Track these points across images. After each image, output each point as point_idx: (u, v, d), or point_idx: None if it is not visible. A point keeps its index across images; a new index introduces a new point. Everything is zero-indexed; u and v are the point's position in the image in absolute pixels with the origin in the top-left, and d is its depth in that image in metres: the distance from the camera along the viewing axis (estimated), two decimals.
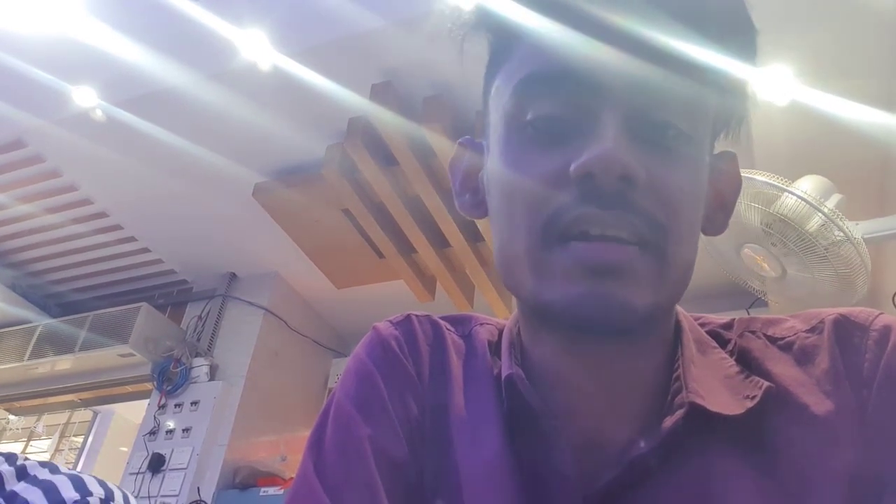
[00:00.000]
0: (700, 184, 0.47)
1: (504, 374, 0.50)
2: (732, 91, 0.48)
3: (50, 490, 0.84)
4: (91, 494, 0.86)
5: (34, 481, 0.85)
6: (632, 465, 0.44)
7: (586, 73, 0.44)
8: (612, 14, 0.44)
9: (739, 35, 0.47)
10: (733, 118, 0.51)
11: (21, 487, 0.84)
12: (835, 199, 1.64)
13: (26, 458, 0.91)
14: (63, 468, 0.91)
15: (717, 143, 0.51)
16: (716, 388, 0.47)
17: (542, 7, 0.47)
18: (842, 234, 1.55)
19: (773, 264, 1.70)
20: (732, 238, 1.74)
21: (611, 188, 0.42)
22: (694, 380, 0.47)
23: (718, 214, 0.52)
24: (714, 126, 0.49)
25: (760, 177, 1.60)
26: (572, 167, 0.42)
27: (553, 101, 0.45)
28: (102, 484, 0.91)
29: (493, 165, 0.49)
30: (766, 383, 0.46)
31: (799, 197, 1.56)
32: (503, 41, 0.50)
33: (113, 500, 0.89)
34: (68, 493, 0.84)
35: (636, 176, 0.42)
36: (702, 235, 0.50)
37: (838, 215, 1.56)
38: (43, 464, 0.90)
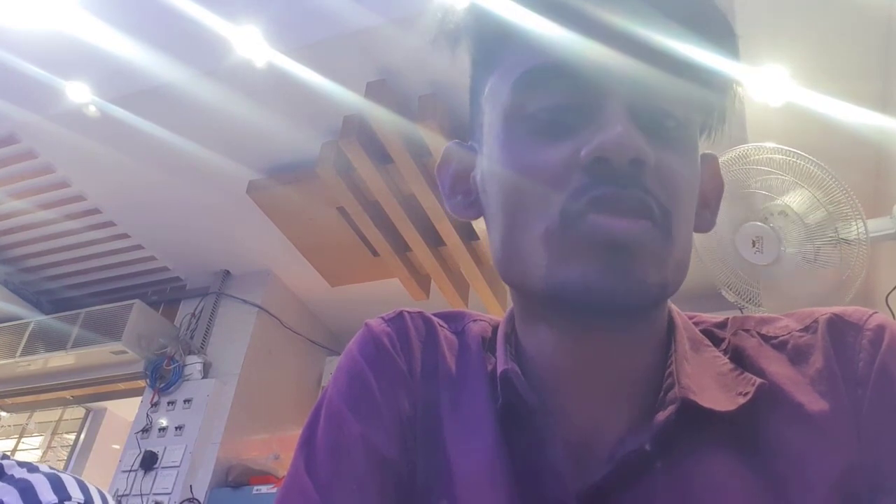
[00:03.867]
0: (695, 175, 0.48)
1: (499, 369, 0.49)
2: (717, 89, 0.49)
3: (27, 490, 0.82)
4: (70, 498, 0.84)
5: (11, 480, 0.83)
6: (624, 461, 0.44)
7: (588, 64, 0.45)
8: (606, 9, 0.45)
9: (721, 34, 0.48)
10: (716, 117, 0.52)
11: None
12: (826, 210, 1.63)
13: (5, 457, 0.90)
14: (43, 467, 0.90)
15: (700, 143, 0.52)
16: (708, 384, 0.47)
17: (535, 5, 0.48)
18: (861, 229, 1.54)
19: (770, 247, 1.67)
20: (729, 221, 1.71)
21: (623, 171, 0.42)
22: (686, 376, 0.47)
23: (704, 212, 0.53)
24: (700, 127, 0.50)
25: (770, 143, 1.59)
26: (584, 151, 0.43)
27: (554, 93, 0.46)
28: (82, 486, 0.89)
29: (491, 163, 0.50)
30: (759, 380, 0.47)
31: (824, 168, 1.54)
32: (494, 43, 0.51)
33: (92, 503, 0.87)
34: (46, 495, 0.83)
35: (647, 159, 0.43)
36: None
37: (859, 212, 1.55)
38: (21, 463, 0.88)
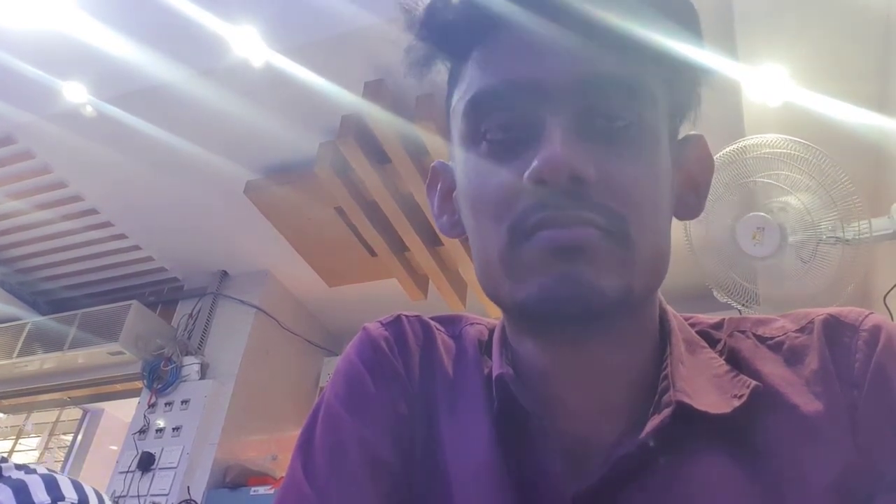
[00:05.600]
0: (658, 170, 0.47)
1: (495, 373, 0.50)
2: (680, 75, 0.49)
3: (20, 490, 0.83)
4: (63, 499, 0.85)
5: (7, 481, 0.84)
6: (619, 464, 0.44)
7: (527, 82, 0.46)
8: (548, 9, 0.46)
9: (679, 18, 0.48)
10: (689, 102, 0.51)
11: None
12: (835, 207, 1.63)
13: (3, 460, 0.90)
14: (40, 469, 0.90)
15: (683, 128, 0.52)
16: (704, 387, 0.47)
17: (481, 17, 0.48)
18: (864, 228, 1.54)
19: (771, 237, 1.66)
20: (730, 211, 1.70)
21: (564, 190, 0.43)
22: (682, 379, 0.47)
23: (691, 197, 0.53)
24: (671, 112, 0.50)
25: (777, 136, 1.58)
26: (525, 175, 0.44)
27: (501, 114, 0.47)
28: (77, 487, 0.90)
29: (460, 184, 0.51)
30: (754, 382, 0.47)
31: (835, 164, 1.53)
32: (453, 67, 0.52)
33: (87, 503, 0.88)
34: (40, 495, 0.83)
35: (585, 174, 0.43)
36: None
37: (863, 212, 1.55)
38: (20, 466, 0.89)
